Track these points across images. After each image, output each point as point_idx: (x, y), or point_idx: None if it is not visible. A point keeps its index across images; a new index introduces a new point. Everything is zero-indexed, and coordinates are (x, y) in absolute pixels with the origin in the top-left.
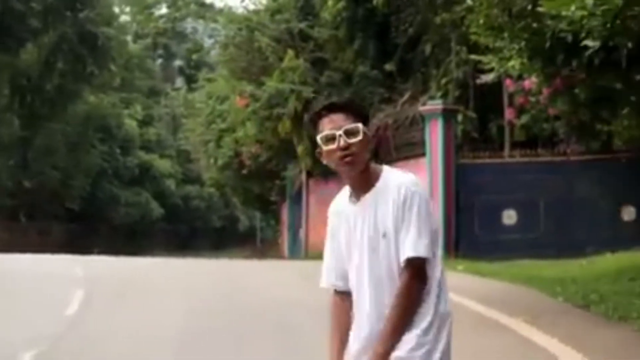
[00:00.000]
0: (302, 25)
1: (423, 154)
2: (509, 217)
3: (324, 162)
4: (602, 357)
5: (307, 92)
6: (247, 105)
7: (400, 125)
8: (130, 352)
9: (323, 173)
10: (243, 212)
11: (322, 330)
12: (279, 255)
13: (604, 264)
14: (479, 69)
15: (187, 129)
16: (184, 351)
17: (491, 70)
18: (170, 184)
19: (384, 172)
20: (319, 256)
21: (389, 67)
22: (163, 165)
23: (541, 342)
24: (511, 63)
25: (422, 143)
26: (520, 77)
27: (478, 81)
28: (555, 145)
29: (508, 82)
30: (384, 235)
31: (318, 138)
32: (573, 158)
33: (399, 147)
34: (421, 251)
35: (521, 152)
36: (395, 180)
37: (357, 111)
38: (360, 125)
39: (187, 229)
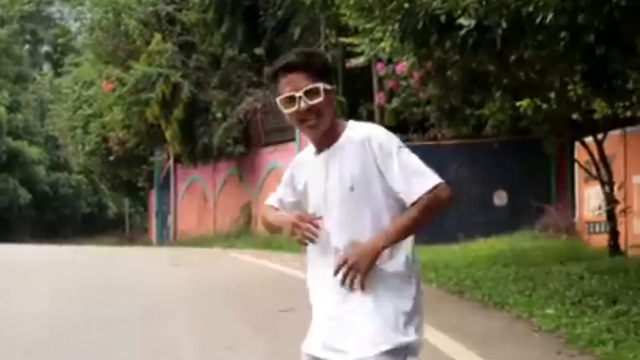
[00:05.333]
0: (170, 8)
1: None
2: None
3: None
4: (480, 345)
5: (175, 76)
6: (113, 90)
7: (269, 110)
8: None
9: (191, 158)
10: (112, 198)
11: (189, 315)
12: (148, 242)
13: (477, 249)
14: (348, 53)
15: (53, 114)
16: (51, 333)
17: (361, 53)
18: (39, 170)
19: (347, 128)
20: (188, 242)
21: (257, 50)
22: (32, 151)
23: None
24: (382, 45)
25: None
26: (390, 61)
27: (347, 65)
28: (427, 130)
29: (379, 65)
30: (352, 189)
31: (277, 100)
32: (444, 142)
33: (269, 131)
34: (435, 179)
35: None
36: (359, 135)
37: (317, 67)
38: (321, 85)
39: (55, 216)
